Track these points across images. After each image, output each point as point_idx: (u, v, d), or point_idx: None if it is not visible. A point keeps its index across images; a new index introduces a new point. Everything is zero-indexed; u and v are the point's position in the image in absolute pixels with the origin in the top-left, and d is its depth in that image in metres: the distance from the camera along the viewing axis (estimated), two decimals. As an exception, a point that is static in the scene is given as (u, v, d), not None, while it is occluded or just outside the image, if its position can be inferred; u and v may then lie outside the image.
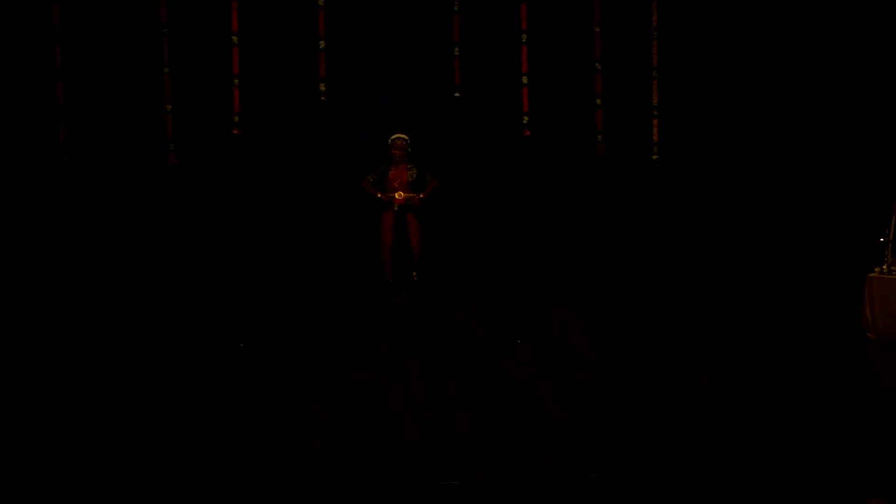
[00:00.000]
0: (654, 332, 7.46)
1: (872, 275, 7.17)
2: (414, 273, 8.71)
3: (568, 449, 4.66)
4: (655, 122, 9.38)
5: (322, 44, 8.92)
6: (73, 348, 6.93)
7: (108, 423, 5.15)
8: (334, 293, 8.98)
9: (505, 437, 4.77)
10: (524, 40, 9.17)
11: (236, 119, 8.92)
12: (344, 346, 6.86)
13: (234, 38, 8.84)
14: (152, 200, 9.10)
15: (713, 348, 6.72)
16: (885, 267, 7.15)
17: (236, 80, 8.89)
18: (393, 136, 8.65)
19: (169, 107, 8.91)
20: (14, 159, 8.76)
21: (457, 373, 6.04)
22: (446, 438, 4.78)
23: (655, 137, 9.40)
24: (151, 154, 8.99)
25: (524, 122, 9.26)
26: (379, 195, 8.61)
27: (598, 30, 9.27)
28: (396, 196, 8.56)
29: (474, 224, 9.55)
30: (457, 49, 9.14)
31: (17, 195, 8.81)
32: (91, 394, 5.75)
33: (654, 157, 9.42)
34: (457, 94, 9.20)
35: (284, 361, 6.48)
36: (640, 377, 6.05)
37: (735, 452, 4.54)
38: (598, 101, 9.35)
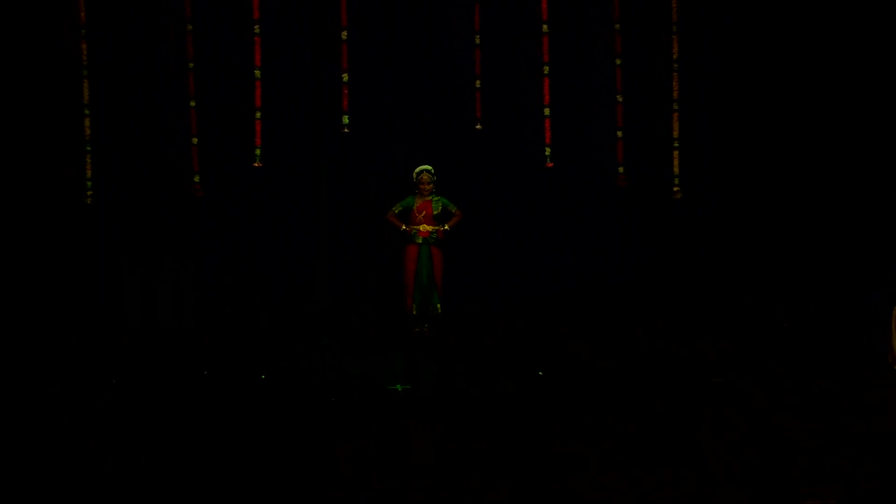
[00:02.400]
0: (672, 358, 7.43)
1: (899, 308, 7.04)
2: (437, 305, 8.71)
3: (581, 469, 4.65)
4: (676, 153, 9.37)
5: (345, 77, 8.98)
6: (97, 375, 7.00)
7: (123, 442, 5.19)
8: (357, 324, 9.02)
9: (523, 465, 4.73)
10: (546, 72, 9.19)
11: (258, 152, 8.97)
12: (366, 380, 6.81)
13: (258, 73, 8.92)
14: (178, 232, 9.20)
15: (736, 381, 6.64)
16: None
17: (258, 114, 8.95)
18: (419, 169, 8.66)
19: (195, 140, 8.99)
20: (41, 192, 8.90)
21: (478, 406, 5.99)
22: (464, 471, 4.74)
23: (676, 169, 9.38)
24: (178, 187, 9.07)
25: (546, 153, 9.24)
26: (403, 227, 8.61)
27: (618, 62, 9.29)
28: (421, 229, 8.57)
29: (497, 255, 9.54)
30: (478, 81, 9.17)
31: (44, 228, 8.95)
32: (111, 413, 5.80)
33: (676, 188, 9.39)
34: (478, 127, 9.22)
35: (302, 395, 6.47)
36: (658, 401, 6.02)
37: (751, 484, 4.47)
38: (619, 133, 9.36)
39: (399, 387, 6.66)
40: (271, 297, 9.40)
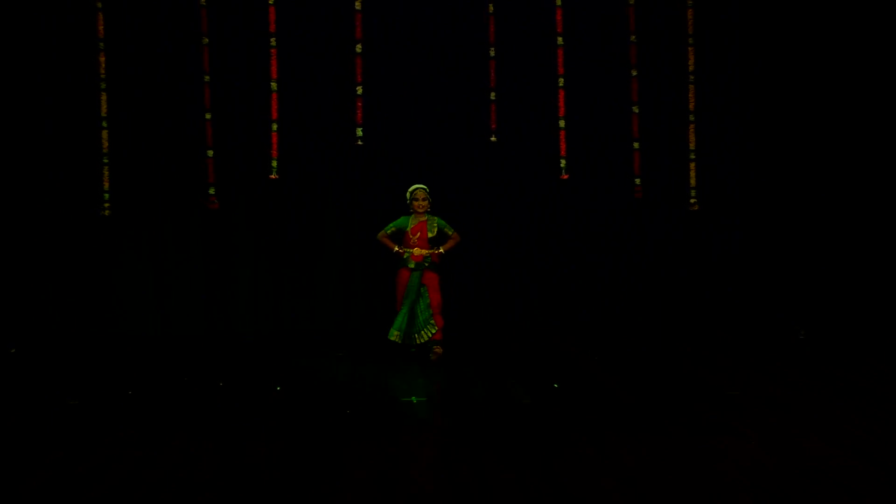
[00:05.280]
0: (688, 376, 7.38)
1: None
2: (433, 331, 8.06)
3: (592, 484, 4.62)
4: (693, 165, 9.34)
5: (359, 89, 9.00)
6: (116, 392, 7.01)
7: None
8: (358, 345, 9.00)
9: (534, 483, 4.70)
10: (561, 84, 9.19)
11: (274, 164, 9.00)
12: (368, 402, 6.76)
13: (274, 85, 8.96)
14: (193, 245, 9.23)
15: (752, 396, 6.58)
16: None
17: (275, 126, 8.98)
18: (413, 187, 8.17)
19: (210, 153, 9.02)
20: (59, 204, 8.95)
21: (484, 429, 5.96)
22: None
23: (693, 181, 9.34)
24: (193, 199, 9.11)
25: (561, 165, 9.23)
26: (396, 248, 8.07)
27: (634, 73, 9.29)
28: (415, 252, 8.02)
29: (509, 265, 9.52)
30: (493, 94, 9.18)
31: (62, 239, 9.00)
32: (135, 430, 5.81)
33: (693, 200, 9.36)
34: (493, 139, 9.22)
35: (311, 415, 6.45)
36: (671, 416, 5.99)
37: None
38: (636, 145, 9.34)
39: (414, 398, 6.64)
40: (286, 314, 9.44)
